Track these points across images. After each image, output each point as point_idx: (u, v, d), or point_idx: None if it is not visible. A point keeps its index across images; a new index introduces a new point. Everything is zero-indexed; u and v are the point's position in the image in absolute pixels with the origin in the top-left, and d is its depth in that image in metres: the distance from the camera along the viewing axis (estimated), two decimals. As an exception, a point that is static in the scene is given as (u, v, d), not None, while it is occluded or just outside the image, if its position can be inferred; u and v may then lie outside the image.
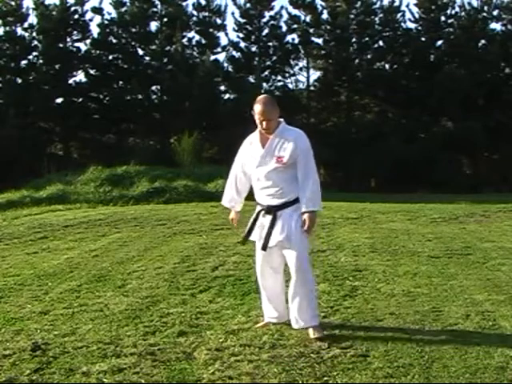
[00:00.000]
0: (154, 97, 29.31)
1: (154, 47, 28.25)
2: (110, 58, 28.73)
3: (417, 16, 28.52)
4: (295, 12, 28.62)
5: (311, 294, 4.22)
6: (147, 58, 28.89)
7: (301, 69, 29.52)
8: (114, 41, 28.59)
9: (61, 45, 27.94)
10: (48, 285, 5.86)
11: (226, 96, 29.42)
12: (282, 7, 30.30)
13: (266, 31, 28.54)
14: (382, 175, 25.26)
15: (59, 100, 28.12)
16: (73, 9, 28.22)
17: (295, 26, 28.57)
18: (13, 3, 27.87)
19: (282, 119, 4.29)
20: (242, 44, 28.79)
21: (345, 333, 4.21)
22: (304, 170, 4.17)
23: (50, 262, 7.07)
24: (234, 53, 29.03)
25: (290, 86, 29.85)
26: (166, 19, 28.41)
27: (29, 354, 3.81)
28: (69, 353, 3.85)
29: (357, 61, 28.66)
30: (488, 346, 3.91)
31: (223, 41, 35.31)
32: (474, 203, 13.58)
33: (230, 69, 29.01)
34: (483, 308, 4.80)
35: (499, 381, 3.40)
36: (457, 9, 28.30)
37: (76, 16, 28.27)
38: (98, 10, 28.27)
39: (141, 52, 29.03)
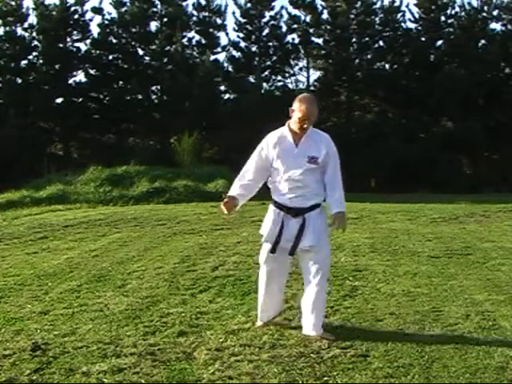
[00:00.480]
0: (154, 97, 29.31)
1: (154, 47, 28.25)
2: (110, 58, 28.73)
3: (417, 16, 28.52)
4: (295, 12, 28.65)
5: (324, 303, 4.30)
6: (147, 58, 28.90)
7: (301, 69, 29.55)
8: (114, 41, 28.58)
9: (61, 45, 27.93)
10: (48, 285, 5.86)
11: (226, 96, 29.47)
12: (282, 7, 30.30)
13: (266, 31, 28.53)
14: (381, 175, 25.25)
15: (59, 100, 28.14)
16: (73, 9, 28.22)
17: (295, 25, 28.57)
18: (13, 3, 27.87)
19: None
20: (242, 44, 28.82)
21: (345, 333, 4.21)
22: (333, 173, 4.19)
23: (50, 262, 7.07)
24: (234, 53, 29.06)
25: (290, 86, 29.88)
26: (166, 19, 28.40)
27: (29, 354, 3.81)
28: (69, 353, 3.85)
29: (357, 61, 28.65)
30: (488, 346, 3.91)
31: (223, 41, 35.35)
32: (474, 203, 13.58)
33: (230, 69, 29.02)
34: (483, 308, 4.80)
35: (499, 381, 3.40)
36: (457, 9, 28.33)
37: (76, 16, 28.26)
38: (98, 10, 28.27)
39: (141, 52, 29.05)
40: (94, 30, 41.11)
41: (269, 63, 28.85)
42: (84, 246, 8.30)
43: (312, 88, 29.55)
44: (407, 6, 41.14)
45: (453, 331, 4.23)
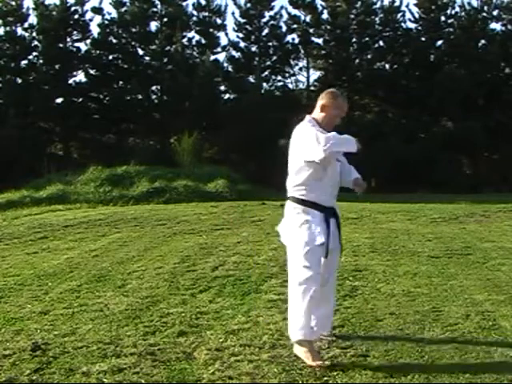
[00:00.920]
0: (154, 97, 29.30)
1: (154, 47, 28.23)
2: (110, 58, 28.72)
3: (417, 16, 28.51)
4: (295, 12, 28.62)
5: None
6: (147, 58, 28.88)
7: (301, 69, 29.53)
8: (114, 41, 28.57)
9: (61, 45, 27.92)
10: (48, 285, 5.86)
11: (226, 96, 29.45)
12: (281, 7, 30.25)
13: (265, 31, 28.51)
14: (382, 175, 25.22)
15: (59, 100, 28.12)
16: (73, 9, 28.20)
17: (295, 25, 28.55)
18: (13, 3, 27.85)
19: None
20: (242, 44, 28.78)
21: (345, 333, 4.21)
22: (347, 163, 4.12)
23: (50, 262, 7.07)
24: (234, 53, 29.04)
25: (290, 86, 29.88)
26: (166, 19, 28.39)
27: (29, 354, 3.81)
28: (69, 353, 3.85)
29: (357, 61, 28.64)
30: (488, 346, 3.91)
31: (223, 41, 35.35)
32: (474, 203, 13.59)
33: (230, 69, 29.00)
34: (483, 308, 4.80)
35: (499, 381, 3.40)
36: (457, 9, 28.30)
37: (76, 16, 28.25)
38: (98, 10, 28.26)
39: (141, 52, 29.03)
40: (94, 29, 41.16)
41: (269, 63, 28.84)
42: (84, 246, 8.30)
43: (312, 88, 29.56)
44: (407, 6, 41.13)
45: (453, 331, 4.23)
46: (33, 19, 28.11)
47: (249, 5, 28.32)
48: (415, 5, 28.34)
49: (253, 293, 5.34)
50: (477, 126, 24.49)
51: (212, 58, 27.86)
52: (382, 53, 28.30)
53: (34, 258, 7.42)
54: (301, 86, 30.19)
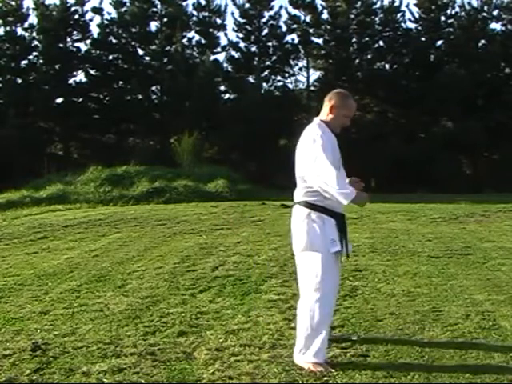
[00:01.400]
0: (154, 97, 29.32)
1: (154, 47, 28.25)
2: (110, 58, 28.73)
3: (417, 16, 28.52)
4: (295, 12, 28.63)
5: None
6: (147, 58, 28.91)
7: (301, 69, 29.53)
8: (114, 41, 28.59)
9: (61, 45, 27.94)
10: (48, 285, 5.86)
11: (226, 96, 29.46)
12: (281, 7, 30.27)
13: (265, 31, 28.52)
14: (381, 175, 25.22)
15: (59, 100, 28.14)
16: (73, 9, 28.23)
17: (295, 26, 28.55)
18: (13, 3, 27.87)
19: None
20: (242, 44, 28.79)
21: (345, 333, 4.21)
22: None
23: (50, 262, 7.07)
24: (234, 53, 29.04)
25: (290, 86, 29.87)
26: (166, 19, 28.40)
27: (29, 354, 3.81)
28: (69, 353, 3.85)
29: (357, 61, 28.64)
30: (488, 345, 3.91)
31: (223, 41, 35.32)
32: (474, 203, 13.59)
33: (229, 69, 29.01)
34: (483, 308, 4.80)
35: (499, 381, 3.40)
36: (457, 9, 28.31)
37: (76, 16, 28.27)
38: (98, 10, 28.28)
39: (141, 52, 29.06)
40: (94, 30, 41.13)
41: (268, 63, 28.84)
42: (84, 245, 8.31)
43: (312, 88, 29.57)
44: (407, 6, 41.23)
45: (453, 331, 4.23)
46: (33, 19, 28.24)
47: (248, 5, 28.33)
48: (415, 5, 28.37)
49: (253, 293, 5.34)
50: (477, 126, 24.48)
51: (212, 57, 27.88)
52: (382, 53, 28.30)
53: (34, 258, 7.42)
54: (301, 85, 30.21)
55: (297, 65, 29.41)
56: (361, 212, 11.62)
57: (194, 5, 28.75)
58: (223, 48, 28.95)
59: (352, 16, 28.10)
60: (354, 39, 28.37)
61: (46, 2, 28.11)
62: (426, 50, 27.77)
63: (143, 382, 3.41)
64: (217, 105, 26.42)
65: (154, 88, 28.87)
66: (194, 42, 28.90)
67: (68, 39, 28.36)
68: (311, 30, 28.70)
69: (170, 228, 9.88)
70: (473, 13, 27.69)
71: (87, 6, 28.36)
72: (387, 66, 29.06)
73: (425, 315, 4.61)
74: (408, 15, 38.67)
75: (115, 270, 6.53)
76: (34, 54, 28.20)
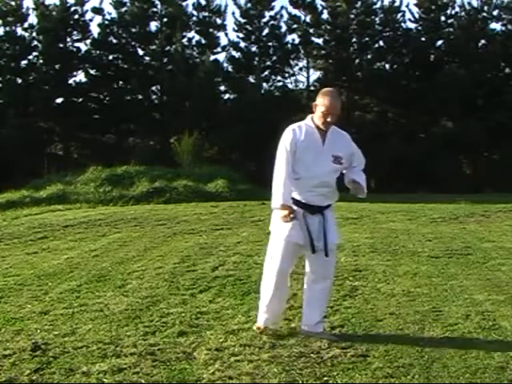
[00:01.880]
0: (154, 97, 29.32)
1: (154, 47, 28.24)
2: (110, 58, 28.72)
3: (417, 16, 28.50)
4: (295, 12, 28.62)
5: (328, 303, 4.35)
6: (147, 58, 28.89)
7: (301, 69, 29.52)
8: (114, 41, 28.57)
9: (61, 45, 27.93)
10: (48, 285, 5.86)
11: (226, 96, 29.44)
12: (282, 7, 30.22)
13: (266, 31, 28.50)
14: (381, 175, 25.21)
15: (59, 100, 28.13)
16: (73, 9, 28.20)
17: (295, 25, 28.54)
18: (13, 3, 27.85)
19: None
20: (242, 44, 28.77)
21: (345, 333, 4.21)
22: (359, 166, 4.20)
23: (50, 262, 7.07)
24: (234, 53, 29.03)
25: (290, 86, 29.86)
26: (166, 19, 28.39)
27: (29, 354, 3.81)
28: (69, 353, 3.85)
29: (357, 61, 28.64)
30: (488, 346, 3.91)
31: (223, 41, 35.24)
32: (474, 203, 13.58)
33: (230, 69, 28.99)
34: (483, 308, 4.80)
35: (499, 381, 3.40)
36: (457, 9, 28.30)
37: (76, 16, 28.24)
38: (98, 10, 28.25)
39: (141, 52, 29.04)
40: (94, 30, 41.10)
41: (269, 63, 28.83)
42: (84, 245, 8.30)
43: (312, 88, 29.56)
44: (407, 6, 41.13)
45: (453, 331, 4.23)
46: (33, 19, 28.18)
47: (249, 5, 28.31)
48: (415, 5, 28.36)
49: (253, 293, 5.33)
50: (477, 126, 24.48)
51: (212, 58, 27.86)
52: (382, 53, 28.29)
53: (34, 258, 7.42)
54: (301, 86, 30.19)
55: (297, 65, 29.44)
56: (361, 212, 11.63)
57: (193, 5, 28.74)
58: (223, 48, 28.95)
59: (352, 16, 28.09)
60: (354, 39, 28.36)
61: (46, 2, 28.11)
62: (426, 50, 27.77)
63: (143, 382, 3.41)
64: (217, 105, 26.41)
65: (154, 88, 28.86)
66: (194, 42, 28.89)
67: (68, 39, 28.34)
68: (311, 30, 28.69)
69: (170, 228, 9.88)
70: (473, 13, 27.68)
71: (87, 6, 28.34)
72: (387, 66, 29.06)
73: (425, 315, 4.61)
74: (408, 15, 38.57)
75: (115, 270, 6.53)
76: (34, 53, 28.19)
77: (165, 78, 27.12)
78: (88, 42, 28.50)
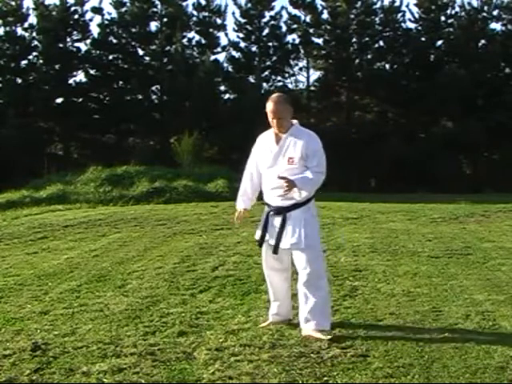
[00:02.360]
0: (154, 97, 29.34)
1: (154, 47, 28.26)
2: (110, 58, 28.74)
3: (417, 16, 28.53)
4: (295, 12, 28.65)
5: (327, 296, 4.26)
6: (147, 58, 28.91)
7: (301, 69, 29.55)
8: (114, 41, 28.59)
9: (61, 45, 27.95)
10: (48, 285, 5.86)
11: (226, 96, 29.46)
12: (282, 7, 30.26)
13: (266, 31, 28.53)
14: (381, 175, 25.24)
15: (59, 100, 28.15)
16: (73, 9, 28.23)
17: (295, 26, 28.57)
18: (13, 3, 27.86)
19: (295, 120, 4.29)
20: (242, 44, 28.81)
21: (345, 333, 4.20)
22: (313, 168, 4.15)
23: (50, 262, 7.07)
24: (234, 53, 29.06)
25: (290, 86, 29.87)
26: (166, 19, 28.41)
27: (29, 354, 3.81)
28: (69, 353, 3.85)
29: (357, 61, 28.65)
30: (488, 346, 3.91)
31: (223, 41, 35.27)
32: (474, 203, 13.57)
33: (230, 69, 29.01)
34: (483, 308, 4.80)
35: (499, 381, 3.40)
36: (457, 9, 28.34)
37: (76, 16, 28.27)
38: (98, 10, 28.28)
39: (141, 52, 29.07)
40: (94, 30, 41.04)
41: (269, 63, 28.85)
42: (84, 245, 8.30)
43: (312, 88, 29.57)
44: (407, 6, 41.14)
45: (453, 331, 4.23)
46: (33, 19, 28.21)
47: (249, 5, 28.34)
48: (415, 5, 28.40)
49: (253, 293, 5.33)
50: (477, 126, 24.49)
51: (212, 58, 27.88)
52: (382, 53, 28.31)
53: (34, 258, 7.42)
54: (301, 86, 30.21)
55: (297, 65, 29.47)
56: (361, 212, 11.63)
57: (194, 5, 28.78)
58: (223, 48, 28.98)
59: (352, 16, 28.11)
60: (354, 39, 28.38)
61: (46, 2, 28.15)
62: (426, 50, 27.78)
63: (143, 382, 3.41)
64: (217, 105, 26.42)
65: (154, 88, 28.88)
66: (194, 42, 28.92)
67: (68, 39, 28.37)
68: (311, 30, 28.71)
69: (170, 228, 9.88)
70: (473, 13, 27.69)
71: (87, 6, 28.41)
72: (387, 66, 29.08)
73: (425, 315, 4.61)
74: (408, 15, 38.58)
75: (115, 270, 6.53)
76: (34, 53, 28.21)
77: (165, 77, 27.13)
78: (88, 42, 28.56)
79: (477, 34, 27.44)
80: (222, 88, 28.87)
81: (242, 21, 28.51)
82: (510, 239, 8.42)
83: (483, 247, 7.72)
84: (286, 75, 29.54)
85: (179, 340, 4.07)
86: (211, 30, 28.73)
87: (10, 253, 7.91)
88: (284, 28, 28.55)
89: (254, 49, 28.83)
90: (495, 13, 27.81)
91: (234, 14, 30.05)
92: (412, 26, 28.75)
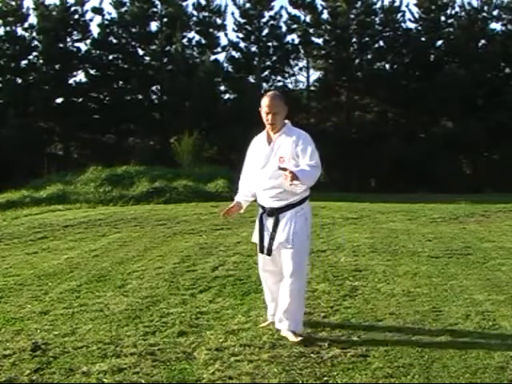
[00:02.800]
0: (154, 97, 29.34)
1: (154, 47, 28.26)
2: (110, 58, 28.75)
3: (417, 16, 28.54)
4: (295, 12, 28.66)
5: (302, 299, 4.21)
6: (147, 58, 28.91)
7: (301, 69, 29.56)
8: (114, 41, 28.60)
9: (61, 45, 27.96)
10: (48, 285, 5.86)
11: (226, 96, 29.47)
12: (281, 7, 30.32)
13: (265, 31, 28.54)
14: (381, 175, 25.24)
15: (59, 100, 28.16)
16: (73, 9, 28.24)
17: (295, 26, 28.57)
18: (13, 3, 27.88)
19: (287, 120, 4.27)
20: (242, 44, 28.82)
21: (345, 333, 4.21)
22: (307, 163, 4.00)
23: (50, 262, 7.07)
24: (234, 53, 29.06)
25: (290, 86, 29.88)
26: (166, 19, 28.42)
27: (29, 354, 3.81)
28: (69, 353, 3.85)
29: (357, 61, 28.66)
30: (488, 345, 3.91)
31: (223, 41, 35.32)
32: (474, 203, 13.57)
33: (230, 69, 29.02)
34: (483, 308, 4.80)
35: (499, 381, 3.40)
36: (457, 9, 28.35)
37: (76, 16, 28.29)
38: (98, 10, 28.29)
39: (141, 52, 29.08)
40: (94, 30, 41.13)
41: (269, 63, 28.86)
42: (84, 245, 8.30)
43: (312, 88, 29.56)
44: (407, 6, 41.28)
45: (453, 331, 4.23)
46: (33, 19, 28.23)
47: (249, 5, 28.34)
48: (415, 5, 28.41)
49: (253, 293, 5.33)
50: (477, 126, 24.49)
51: (212, 58, 27.89)
52: (382, 53, 28.32)
53: (34, 258, 7.42)
54: (301, 86, 30.20)
55: (297, 65, 29.48)
56: (361, 212, 11.63)
57: (194, 5, 28.79)
58: (223, 48, 28.98)
59: (352, 16, 28.11)
60: (354, 39, 28.38)
61: (46, 2, 28.16)
62: (426, 50, 27.79)
63: (143, 382, 3.41)
64: (217, 105, 26.42)
65: (154, 88, 28.89)
66: (194, 42, 28.94)
67: (68, 39, 28.37)
68: (311, 30, 28.72)
69: (170, 228, 9.88)
70: (473, 13, 27.70)
71: (87, 6, 28.45)
72: (387, 66, 29.08)
73: (425, 315, 4.61)
74: (408, 15, 38.71)
75: (115, 270, 6.53)
76: (34, 53, 28.23)
77: (165, 77, 27.14)
78: (88, 42, 28.58)
79: (477, 34, 27.44)
80: (222, 88, 28.92)
81: (242, 21, 28.53)
82: (510, 239, 8.42)
83: (483, 247, 7.72)
84: (286, 75, 29.56)
85: (179, 340, 4.07)
86: (211, 29, 28.74)
87: (10, 253, 7.91)
88: (284, 28, 28.61)
89: (253, 49, 28.85)
90: (495, 13, 27.83)
91: (233, 14, 30.10)
92: (412, 26, 28.81)
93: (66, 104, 27.58)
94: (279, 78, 29.48)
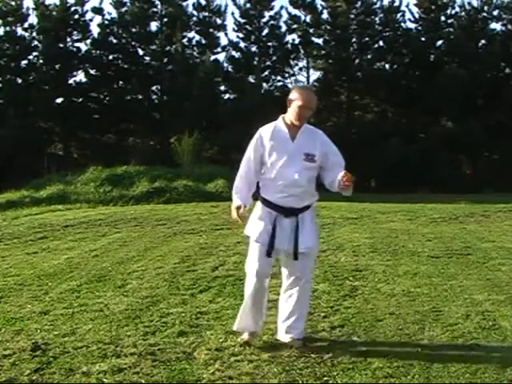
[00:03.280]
0: (154, 97, 29.31)
1: (154, 47, 28.25)
2: (110, 57, 28.73)
3: (417, 16, 28.50)
4: (295, 12, 28.62)
5: (308, 307, 4.18)
6: (147, 58, 28.90)
7: (301, 69, 29.52)
8: (114, 41, 28.58)
9: (61, 45, 27.94)
10: (48, 285, 5.86)
11: (226, 96, 29.44)
12: (281, 7, 30.25)
13: (265, 31, 28.51)
14: (382, 175, 25.22)
15: (59, 100, 28.13)
16: (73, 9, 28.21)
17: (295, 26, 28.54)
18: (13, 3, 27.86)
19: None
20: (242, 44, 28.78)
21: (345, 333, 4.21)
22: (341, 162, 3.98)
23: (50, 262, 7.07)
24: (234, 53, 29.03)
25: (290, 86, 29.82)
26: (166, 19, 28.40)
27: (29, 354, 3.81)
28: (69, 353, 3.85)
29: (357, 61, 28.64)
30: (488, 346, 3.91)
31: (223, 41, 35.30)
32: (474, 203, 13.58)
33: (230, 69, 29.00)
34: (483, 308, 4.80)
35: (499, 381, 3.40)
36: (457, 9, 28.30)
37: (76, 16, 28.26)
38: (98, 10, 28.28)
39: (141, 52, 29.05)
40: (94, 30, 41.00)
41: (268, 63, 28.82)
42: (84, 246, 8.30)
43: (312, 88, 29.51)
44: (407, 6, 41.07)
45: (453, 331, 4.23)
46: (33, 19, 28.21)
47: (249, 5, 28.32)
48: (415, 5, 28.36)
49: (253, 293, 5.32)
50: (477, 126, 24.48)
51: (212, 58, 27.87)
52: (382, 53, 28.29)
53: (34, 258, 7.42)
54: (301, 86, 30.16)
55: (297, 65, 29.44)
56: (361, 212, 11.63)
57: (194, 5, 28.77)
58: (223, 48, 28.97)
59: (352, 16, 28.09)
60: (354, 39, 28.35)
61: (46, 2, 28.13)
62: (426, 50, 27.76)
63: (143, 382, 3.41)
64: (217, 105, 26.40)
65: (154, 88, 28.86)
66: (194, 42, 28.91)
67: (68, 39, 28.35)
68: (311, 30, 28.69)
69: (170, 228, 9.88)
70: (473, 13, 27.68)
71: (87, 6, 28.39)
72: (387, 66, 29.05)
73: (425, 315, 4.61)
74: (408, 15, 38.64)
75: (115, 270, 6.53)
76: (34, 54, 28.20)
77: (165, 77, 27.13)
78: (88, 42, 28.54)
79: (477, 34, 27.42)
80: (222, 88, 28.89)
81: (242, 21, 28.50)
82: (510, 239, 8.42)
83: (483, 247, 7.72)
84: (286, 75, 29.52)
85: (179, 340, 4.07)
86: (211, 30, 28.73)
87: (9, 253, 7.91)
88: (284, 28, 28.57)
89: (253, 49, 28.83)
90: (495, 13, 27.80)
91: (233, 14, 30.08)
92: (412, 26, 28.76)
93: (66, 104, 27.57)
94: (279, 77, 29.45)
